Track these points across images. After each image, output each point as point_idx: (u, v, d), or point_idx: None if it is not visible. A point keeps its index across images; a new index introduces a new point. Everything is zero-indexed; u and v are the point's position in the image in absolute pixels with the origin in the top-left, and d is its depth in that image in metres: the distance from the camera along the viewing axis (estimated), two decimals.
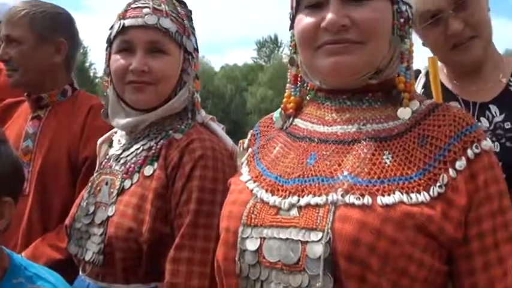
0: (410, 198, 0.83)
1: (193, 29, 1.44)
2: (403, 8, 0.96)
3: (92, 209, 1.32)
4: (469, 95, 1.48)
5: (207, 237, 1.21)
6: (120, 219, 1.25)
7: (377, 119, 0.95)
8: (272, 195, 0.91)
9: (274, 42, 62.60)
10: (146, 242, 1.21)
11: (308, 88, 1.07)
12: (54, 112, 1.82)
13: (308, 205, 0.86)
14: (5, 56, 1.80)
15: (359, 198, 0.83)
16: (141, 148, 1.35)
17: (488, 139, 0.90)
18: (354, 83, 0.96)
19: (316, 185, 0.88)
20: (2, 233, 1.20)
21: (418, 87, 1.53)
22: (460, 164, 0.87)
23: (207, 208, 1.22)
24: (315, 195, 0.86)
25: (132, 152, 1.36)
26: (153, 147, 1.33)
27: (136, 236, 1.22)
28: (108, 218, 1.27)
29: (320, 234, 0.82)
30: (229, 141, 1.38)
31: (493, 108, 1.43)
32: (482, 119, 1.42)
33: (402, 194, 0.84)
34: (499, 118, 1.42)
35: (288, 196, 0.89)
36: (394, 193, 0.84)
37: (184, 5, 1.44)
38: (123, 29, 1.35)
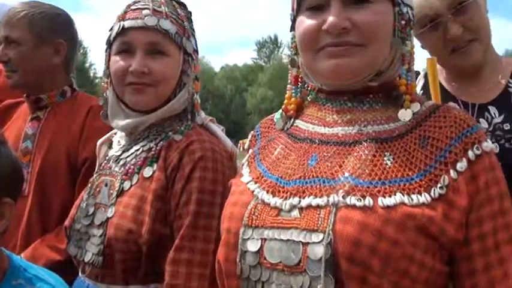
0: (411, 199, 0.83)
1: (193, 30, 1.44)
2: (404, 9, 0.96)
3: (91, 210, 1.32)
4: (468, 97, 1.48)
5: (206, 239, 1.21)
6: (120, 220, 1.24)
7: (378, 120, 0.95)
8: (273, 196, 0.91)
9: (274, 42, 62.69)
10: (146, 243, 1.21)
11: (309, 89, 1.07)
12: (54, 113, 1.81)
13: (309, 206, 0.86)
14: (4, 57, 1.80)
15: (360, 200, 0.83)
16: (140, 149, 1.35)
17: (489, 140, 0.91)
18: (354, 84, 0.96)
19: (317, 186, 0.88)
20: (1, 234, 1.20)
21: (417, 89, 1.53)
22: (461, 165, 0.87)
23: (206, 209, 1.22)
24: (316, 196, 0.86)
25: (131, 153, 1.36)
26: (153, 149, 1.33)
27: (136, 237, 1.22)
28: (108, 219, 1.26)
29: (321, 236, 0.82)
30: (228, 142, 1.38)
31: (492, 110, 1.44)
32: (481, 120, 1.42)
33: (403, 195, 0.84)
34: (498, 119, 1.42)
35: (289, 197, 0.89)
36: (395, 194, 0.84)
37: (184, 7, 1.44)
38: (123, 31, 1.35)
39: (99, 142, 1.52)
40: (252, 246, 0.88)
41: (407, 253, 0.81)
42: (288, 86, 1.07)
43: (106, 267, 1.25)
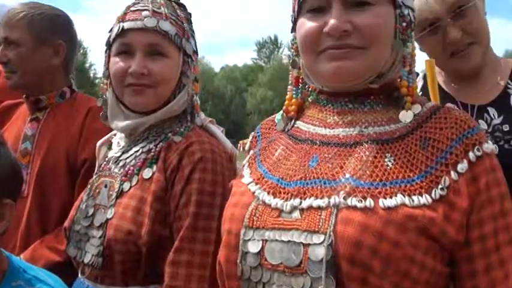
0: (412, 200, 0.84)
1: (193, 31, 1.44)
2: (406, 11, 0.96)
3: (91, 211, 1.32)
4: (467, 98, 1.48)
5: (206, 240, 1.21)
6: (119, 221, 1.24)
7: (379, 121, 0.95)
8: (274, 197, 0.91)
9: (274, 43, 62.72)
10: (145, 244, 1.21)
11: (310, 90, 1.07)
12: (53, 114, 1.81)
13: (310, 207, 0.86)
14: (3, 58, 1.80)
15: (361, 201, 0.83)
16: (140, 151, 1.35)
17: (490, 142, 0.91)
18: (355, 86, 0.96)
19: (318, 187, 0.88)
20: (1, 235, 1.19)
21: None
22: (462, 166, 0.87)
23: (206, 211, 1.22)
24: (317, 197, 0.86)
25: (131, 155, 1.36)
26: (152, 150, 1.33)
27: (136, 239, 1.22)
28: (107, 220, 1.26)
29: (322, 237, 0.82)
30: (228, 143, 1.38)
31: (491, 111, 1.44)
32: (480, 121, 1.42)
33: (404, 197, 0.84)
34: (497, 120, 1.42)
35: (290, 198, 0.89)
36: (396, 195, 0.84)
37: (184, 8, 1.44)
38: (123, 32, 1.35)
39: (98, 143, 1.52)
40: (253, 247, 0.88)
41: (408, 254, 0.81)
42: (289, 87, 1.06)
43: (105, 268, 1.25)
